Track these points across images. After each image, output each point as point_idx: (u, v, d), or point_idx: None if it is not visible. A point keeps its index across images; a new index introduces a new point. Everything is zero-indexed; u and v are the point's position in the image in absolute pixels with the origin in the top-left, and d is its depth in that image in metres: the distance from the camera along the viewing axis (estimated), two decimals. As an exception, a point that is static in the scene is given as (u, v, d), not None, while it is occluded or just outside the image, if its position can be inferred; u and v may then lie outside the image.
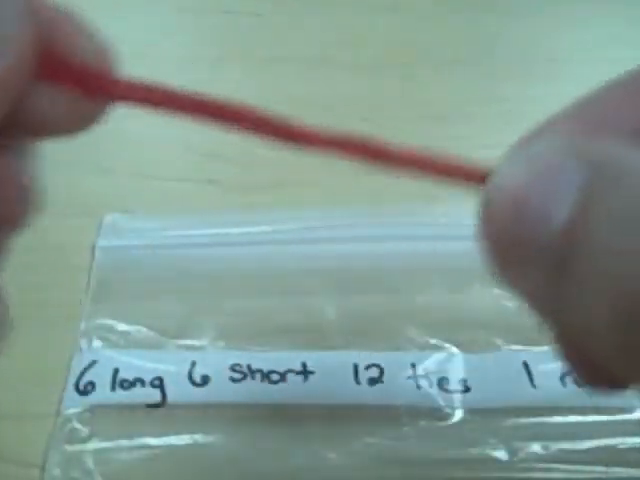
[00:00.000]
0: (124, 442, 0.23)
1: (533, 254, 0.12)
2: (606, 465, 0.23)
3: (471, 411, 0.24)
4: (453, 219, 0.29)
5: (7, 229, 0.14)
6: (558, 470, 0.23)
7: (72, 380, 0.24)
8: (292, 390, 0.24)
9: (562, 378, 0.25)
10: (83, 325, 0.26)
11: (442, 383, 0.25)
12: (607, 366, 0.11)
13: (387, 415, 0.24)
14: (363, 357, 0.25)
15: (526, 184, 0.12)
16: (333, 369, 0.25)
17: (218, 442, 0.23)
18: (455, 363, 0.25)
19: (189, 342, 0.26)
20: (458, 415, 0.24)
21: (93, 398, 0.24)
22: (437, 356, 0.26)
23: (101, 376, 0.24)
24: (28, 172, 0.14)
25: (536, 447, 0.23)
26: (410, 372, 0.25)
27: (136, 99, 0.13)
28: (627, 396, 0.24)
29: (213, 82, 0.38)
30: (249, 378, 0.25)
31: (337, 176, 0.28)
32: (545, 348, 0.26)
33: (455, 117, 0.37)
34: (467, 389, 0.25)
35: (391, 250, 0.29)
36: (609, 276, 0.11)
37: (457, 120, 0.37)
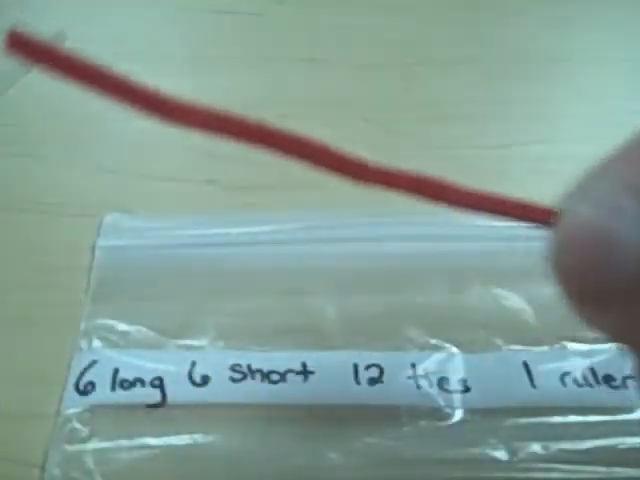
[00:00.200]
0: (124, 442, 0.23)
1: (617, 286, 0.12)
2: (606, 465, 0.23)
3: (471, 411, 0.24)
4: (453, 219, 0.29)
5: None
6: (558, 470, 0.23)
7: (72, 380, 0.24)
8: (292, 390, 0.24)
9: (562, 378, 0.25)
10: (83, 325, 0.26)
11: (442, 383, 0.25)
12: None
13: (387, 415, 0.24)
14: (363, 357, 0.25)
15: (602, 222, 0.12)
16: (333, 369, 0.25)
17: (218, 442, 0.23)
18: (455, 363, 0.25)
19: (189, 342, 0.26)
20: (458, 415, 0.24)
21: (93, 398, 0.24)
22: (437, 356, 0.26)
23: (101, 376, 0.24)
24: None
25: (536, 447, 0.23)
26: (410, 372, 0.25)
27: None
28: (627, 396, 0.24)
29: (213, 82, 0.39)
30: (249, 378, 0.25)
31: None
32: (545, 348, 0.26)
33: (455, 117, 0.37)
34: (467, 389, 0.25)
35: (391, 250, 0.29)
36: None
37: (457, 120, 0.37)
